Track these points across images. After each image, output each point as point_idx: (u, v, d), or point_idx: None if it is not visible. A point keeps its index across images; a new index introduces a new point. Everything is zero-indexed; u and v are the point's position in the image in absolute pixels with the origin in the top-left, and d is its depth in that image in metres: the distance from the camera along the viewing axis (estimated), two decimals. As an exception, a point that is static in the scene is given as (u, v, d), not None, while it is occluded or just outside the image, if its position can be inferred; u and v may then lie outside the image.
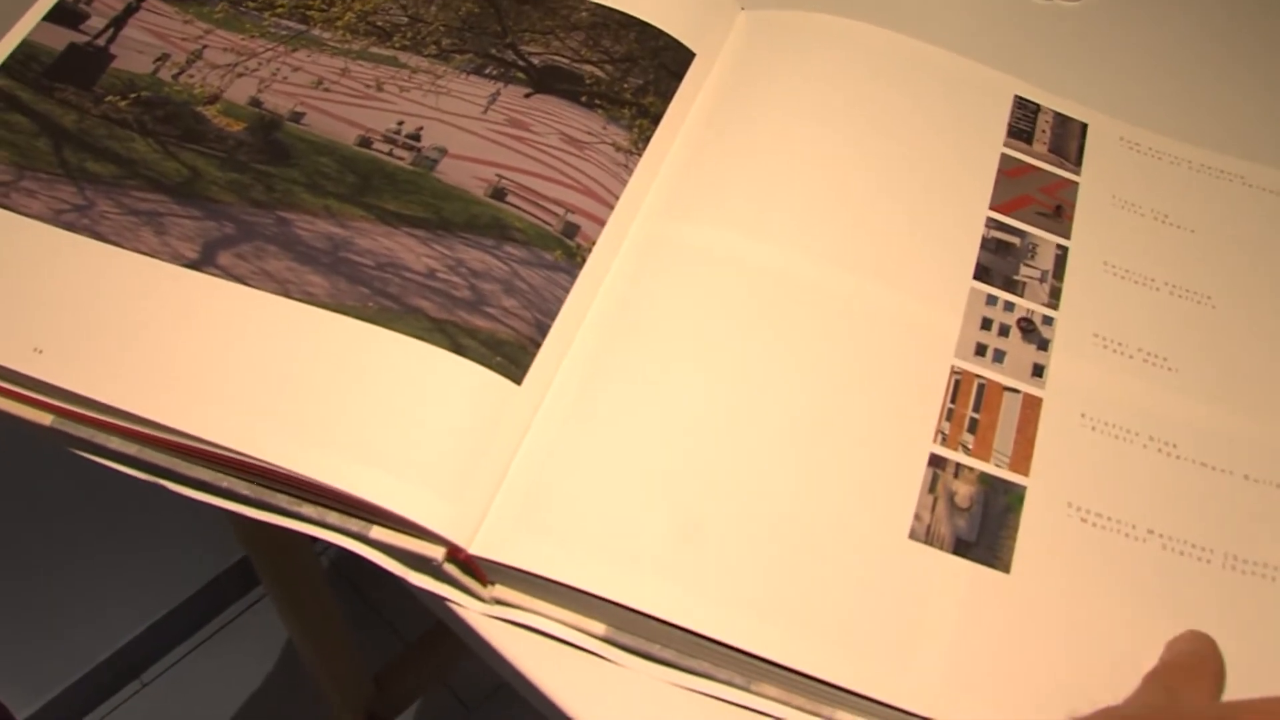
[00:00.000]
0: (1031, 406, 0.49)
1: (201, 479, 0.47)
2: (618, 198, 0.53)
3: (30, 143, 0.54)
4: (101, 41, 0.58)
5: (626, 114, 0.56)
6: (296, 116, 0.55)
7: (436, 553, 0.44)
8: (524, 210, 0.52)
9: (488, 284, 0.49)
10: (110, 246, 0.50)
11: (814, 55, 0.60)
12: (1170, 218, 0.57)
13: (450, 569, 0.45)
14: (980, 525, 0.46)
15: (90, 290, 0.49)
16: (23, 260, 0.50)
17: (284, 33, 0.59)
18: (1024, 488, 0.47)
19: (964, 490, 0.47)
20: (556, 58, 0.58)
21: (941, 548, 0.45)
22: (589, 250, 0.51)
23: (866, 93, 0.59)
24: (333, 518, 0.45)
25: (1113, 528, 0.46)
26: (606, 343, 0.49)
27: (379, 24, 0.59)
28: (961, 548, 0.45)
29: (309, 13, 0.60)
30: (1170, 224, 0.56)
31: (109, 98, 0.56)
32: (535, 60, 0.58)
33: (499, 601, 0.46)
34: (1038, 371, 0.50)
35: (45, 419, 0.48)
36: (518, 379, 0.47)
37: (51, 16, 0.59)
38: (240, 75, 0.57)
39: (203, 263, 0.50)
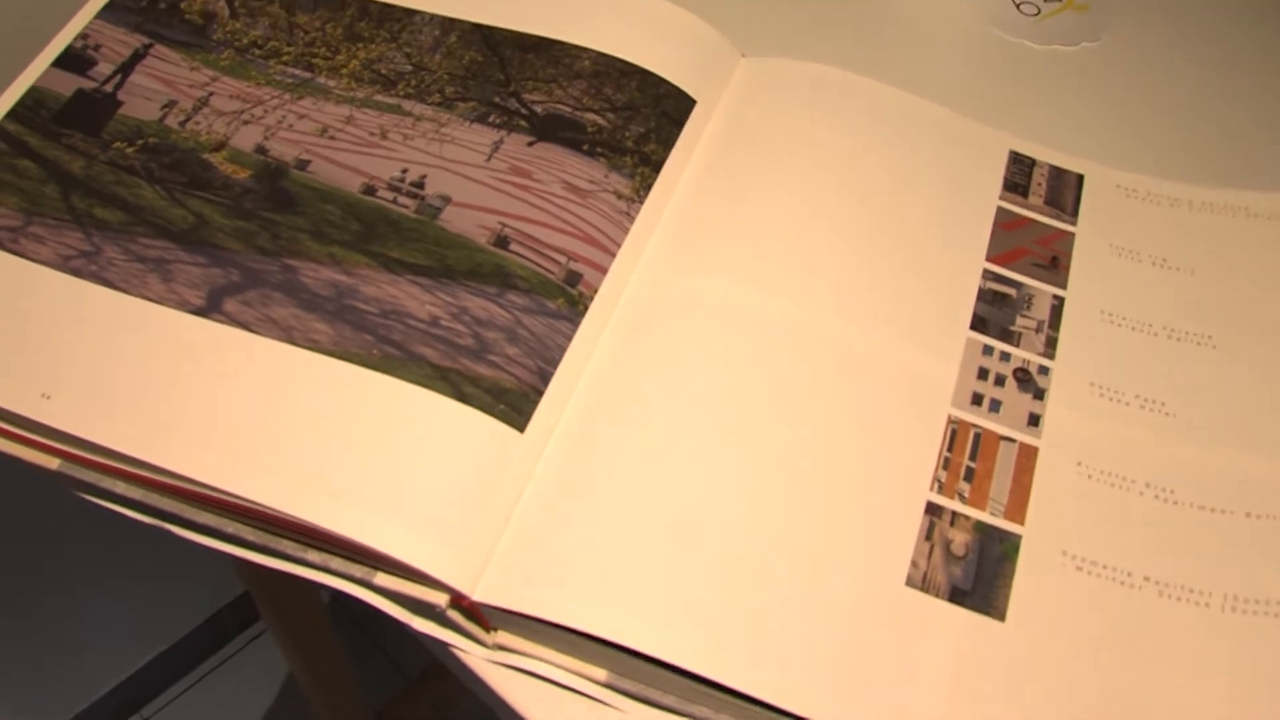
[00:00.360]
0: (1027, 456, 0.50)
1: (207, 524, 0.47)
2: (620, 246, 0.54)
3: (38, 188, 0.55)
4: (109, 88, 0.59)
5: (628, 162, 0.56)
6: (302, 164, 0.56)
7: (440, 599, 0.44)
8: (527, 258, 0.52)
9: (491, 332, 0.50)
10: (117, 293, 0.51)
11: (814, 106, 0.61)
12: (1170, 261, 0.57)
13: (454, 615, 0.45)
14: (976, 573, 0.46)
15: (98, 336, 0.50)
16: (31, 306, 0.51)
17: (289, 80, 0.59)
18: (1019, 536, 0.47)
19: (960, 538, 0.47)
20: (559, 106, 0.58)
21: (938, 595, 0.46)
22: (591, 298, 0.52)
23: (866, 145, 0.59)
24: (336, 564, 0.46)
25: (1108, 575, 0.46)
26: (608, 391, 0.50)
27: (383, 72, 0.60)
28: (957, 596, 0.46)
29: (314, 60, 0.60)
30: (1170, 267, 0.57)
31: (116, 144, 0.56)
32: (538, 108, 0.58)
33: (502, 647, 0.46)
34: (1033, 421, 0.51)
35: (52, 463, 0.49)
36: (520, 427, 0.47)
37: (60, 63, 0.60)
38: (246, 123, 0.57)
39: (209, 310, 0.50)
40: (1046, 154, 0.62)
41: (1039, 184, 0.60)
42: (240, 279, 0.51)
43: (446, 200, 0.55)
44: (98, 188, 0.55)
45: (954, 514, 0.48)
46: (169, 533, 0.49)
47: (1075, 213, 0.59)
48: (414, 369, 0.48)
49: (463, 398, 0.47)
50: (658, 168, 0.57)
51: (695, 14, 0.63)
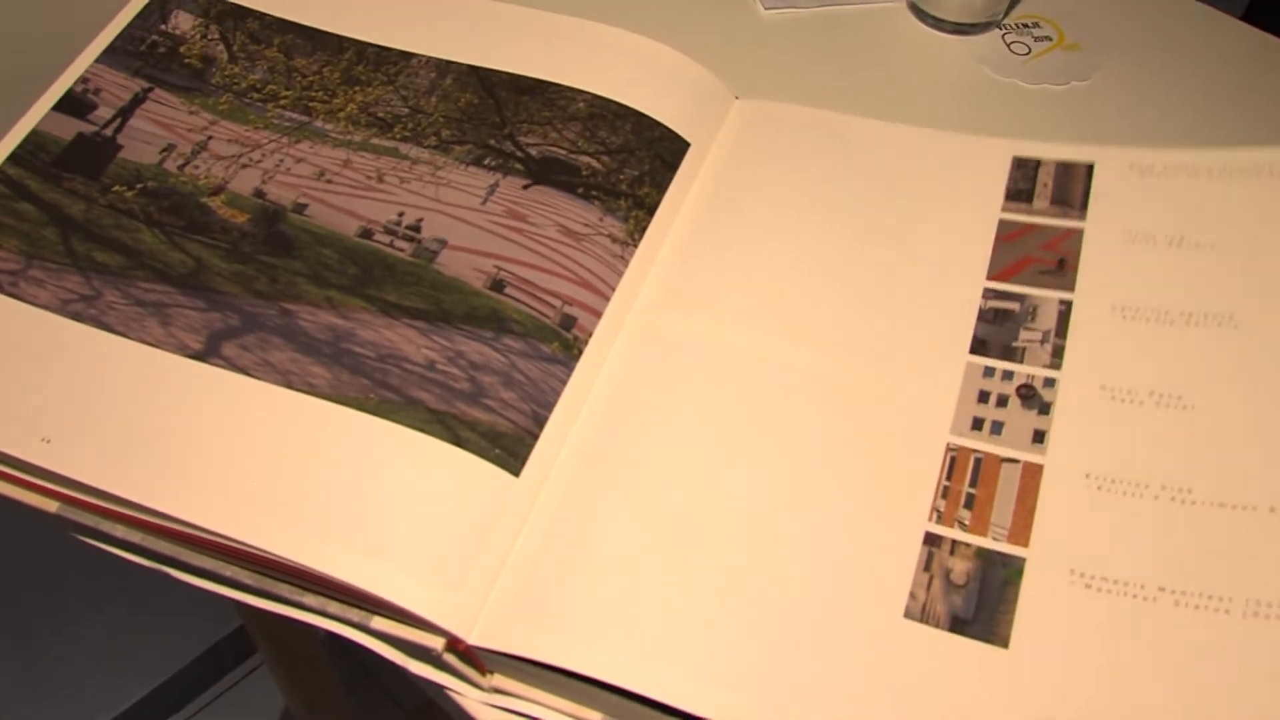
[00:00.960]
0: (1031, 475, 0.49)
1: (205, 568, 0.48)
2: (614, 289, 0.54)
3: (38, 232, 0.55)
4: (109, 132, 0.59)
5: (623, 205, 0.57)
6: (299, 208, 0.56)
7: (436, 643, 0.45)
8: (522, 302, 0.53)
9: (486, 376, 0.50)
10: (117, 337, 0.51)
11: (807, 149, 0.61)
12: (1188, 237, 0.55)
13: (450, 658, 0.45)
14: (977, 602, 0.46)
15: (97, 381, 0.50)
16: (31, 350, 0.51)
17: (287, 124, 0.60)
18: (1023, 560, 0.47)
19: (960, 567, 0.47)
20: (554, 149, 0.59)
21: (937, 626, 0.45)
22: (586, 342, 0.52)
23: (861, 182, 0.60)
24: (334, 608, 0.46)
25: (1119, 590, 0.45)
26: (603, 434, 0.50)
27: (380, 115, 0.61)
28: (958, 625, 0.45)
29: (312, 104, 0.61)
30: (1188, 245, 0.55)
31: (116, 188, 0.57)
32: (533, 151, 0.59)
33: (498, 690, 0.47)
34: (1038, 438, 0.50)
35: (51, 506, 0.49)
36: (516, 471, 0.48)
37: (60, 106, 0.60)
38: (245, 166, 0.58)
39: (207, 354, 0.51)
40: (1053, 150, 0.60)
41: (1044, 185, 0.59)
42: (238, 323, 0.52)
43: (443, 243, 0.55)
44: (97, 231, 0.55)
45: (954, 543, 0.47)
46: (167, 575, 0.49)
47: (1084, 206, 0.58)
48: (410, 413, 0.49)
49: (459, 442, 0.48)
50: (652, 211, 0.57)
51: (689, 56, 0.64)
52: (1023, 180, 0.59)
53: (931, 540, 0.47)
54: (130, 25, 0.64)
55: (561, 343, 0.52)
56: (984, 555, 0.47)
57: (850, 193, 0.59)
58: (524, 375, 0.50)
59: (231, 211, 0.56)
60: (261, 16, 0.65)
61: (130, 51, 0.63)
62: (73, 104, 0.60)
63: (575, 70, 0.62)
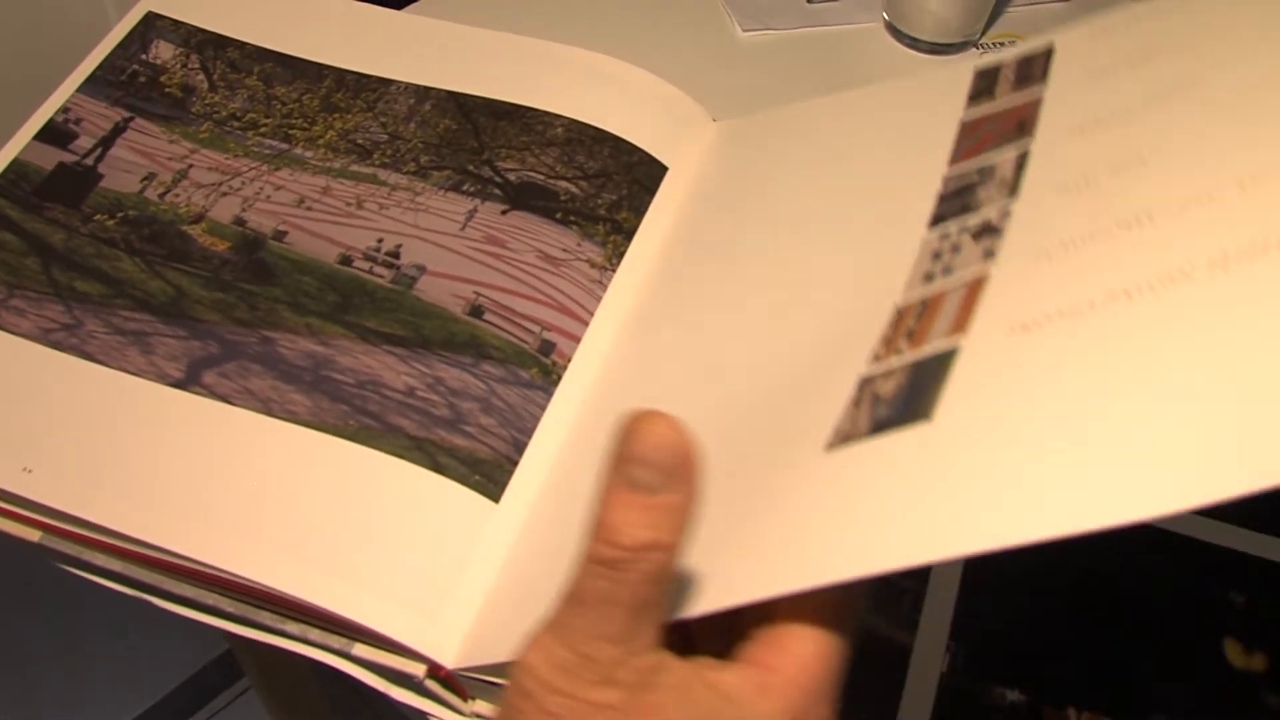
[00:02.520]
0: (976, 285, 0.43)
1: (187, 595, 0.48)
2: (592, 314, 0.54)
3: (19, 261, 0.55)
4: (90, 161, 0.60)
5: (601, 230, 0.57)
6: (279, 235, 0.57)
7: (418, 669, 0.45)
8: (501, 328, 0.53)
9: (466, 402, 0.50)
10: (98, 366, 0.52)
11: (781, 156, 0.61)
12: (1152, 55, 0.49)
13: (431, 685, 0.46)
14: (904, 401, 0.39)
15: (79, 410, 0.50)
16: (12, 379, 0.51)
17: (267, 152, 0.60)
18: (958, 345, 0.40)
19: (888, 386, 0.40)
20: (532, 174, 0.59)
21: (858, 439, 0.39)
22: (564, 367, 0.52)
23: (836, 182, 0.57)
24: (315, 634, 0.46)
25: (1067, 314, 0.38)
26: (582, 459, 0.50)
27: (359, 142, 0.61)
28: (878, 427, 0.39)
29: (291, 132, 0.61)
30: (1153, 51, 0.49)
31: (97, 216, 0.57)
32: (511, 176, 0.59)
33: (479, 716, 0.47)
34: (989, 255, 0.44)
35: (33, 535, 0.50)
36: (495, 497, 0.48)
37: (41, 136, 0.60)
38: (225, 194, 0.58)
39: (188, 382, 0.51)
40: (1014, 52, 0.55)
41: (1007, 79, 0.53)
42: (219, 351, 0.52)
43: (421, 270, 0.55)
44: (78, 260, 0.55)
45: (887, 372, 0.41)
46: (149, 603, 0.49)
47: (1045, 75, 0.52)
48: (390, 440, 0.49)
49: (438, 468, 0.48)
50: (630, 235, 0.57)
51: (666, 79, 0.64)
52: (984, 85, 0.54)
53: (864, 383, 0.41)
54: (111, 55, 0.64)
55: (540, 368, 0.52)
56: (916, 365, 0.40)
57: (828, 201, 0.57)
58: (503, 401, 0.51)
59: (212, 239, 0.56)
60: (241, 45, 0.65)
61: (111, 81, 0.63)
62: (54, 134, 0.61)
63: (553, 95, 0.63)
